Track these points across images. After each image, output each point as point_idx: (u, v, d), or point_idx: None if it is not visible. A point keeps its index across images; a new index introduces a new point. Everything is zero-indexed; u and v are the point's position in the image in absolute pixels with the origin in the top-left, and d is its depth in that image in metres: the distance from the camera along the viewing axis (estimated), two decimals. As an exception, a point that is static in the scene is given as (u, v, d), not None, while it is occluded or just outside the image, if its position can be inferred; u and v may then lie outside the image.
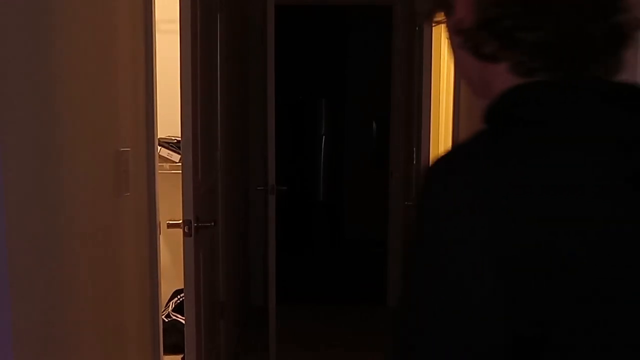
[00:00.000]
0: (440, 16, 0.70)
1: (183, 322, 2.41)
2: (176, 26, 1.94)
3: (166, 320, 3.10)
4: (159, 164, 2.11)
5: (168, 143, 3.04)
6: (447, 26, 0.70)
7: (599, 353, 0.60)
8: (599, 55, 0.63)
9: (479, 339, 0.57)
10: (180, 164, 2.14)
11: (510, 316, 0.57)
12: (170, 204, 2.39)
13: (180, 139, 2.05)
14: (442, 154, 0.64)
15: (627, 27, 0.63)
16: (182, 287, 2.05)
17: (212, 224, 2.22)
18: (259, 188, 3.46)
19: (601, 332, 0.60)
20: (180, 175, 1.99)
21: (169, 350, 2.49)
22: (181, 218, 1.99)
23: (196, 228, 2.02)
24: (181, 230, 2.00)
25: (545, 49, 0.61)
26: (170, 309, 3.24)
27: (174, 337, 2.96)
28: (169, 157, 3.02)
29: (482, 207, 0.56)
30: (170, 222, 2.05)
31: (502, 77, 0.64)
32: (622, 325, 0.60)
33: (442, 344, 0.58)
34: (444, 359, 0.58)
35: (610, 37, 0.62)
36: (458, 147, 0.67)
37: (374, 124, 6.07)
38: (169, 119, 2.42)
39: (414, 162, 2.94)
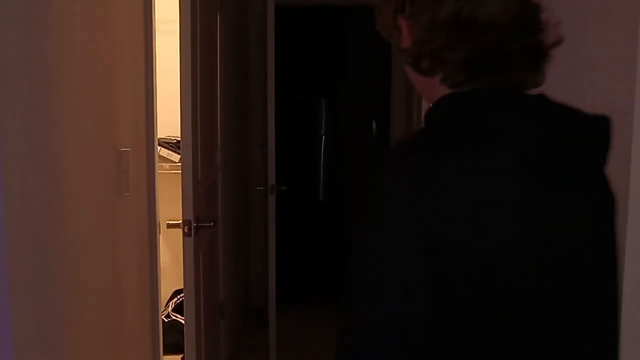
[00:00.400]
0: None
1: (183, 322, 2.41)
2: (176, 26, 1.94)
3: (166, 320, 3.10)
4: (159, 164, 2.11)
5: (168, 143, 3.05)
6: (394, 46, 0.83)
7: (497, 333, 0.71)
8: (515, 69, 0.75)
9: (401, 302, 0.69)
10: (180, 164, 2.14)
11: (428, 286, 0.68)
12: (170, 204, 2.39)
13: (180, 139, 2.05)
14: (391, 148, 0.75)
15: (542, 45, 0.76)
16: (182, 287, 2.05)
17: (212, 224, 2.22)
18: (259, 188, 3.46)
19: (496, 312, 0.70)
20: (180, 175, 1.98)
21: (169, 350, 2.49)
22: (181, 218, 1.99)
23: (196, 228, 2.02)
24: (181, 230, 2.00)
25: (467, 65, 0.75)
26: (170, 309, 3.24)
27: (174, 337, 2.96)
28: (169, 157, 3.02)
29: (413, 192, 0.68)
30: (170, 222, 2.05)
31: (438, 88, 0.77)
32: (520, 309, 0.71)
33: (372, 304, 0.70)
34: (373, 316, 0.70)
35: (525, 54, 0.75)
36: (402, 142, 0.79)
37: (374, 124, 6.07)
38: (169, 119, 2.42)
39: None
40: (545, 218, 0.71)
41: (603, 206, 0.78)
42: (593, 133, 0.77)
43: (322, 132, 6.06)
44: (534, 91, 0.77)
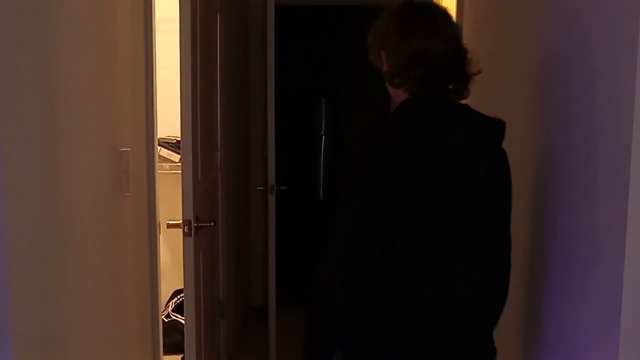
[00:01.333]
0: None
1: (183, 322, 2.41)
2: (176, 26, 1.94)
3: (166, 320, 3.10)
4: (159, 164, 2.11)
5: (168, 143, 3.05)
6: (379, 69, 1.33)
7: (429, 251, 1.19)
8: (452, 83, 1.27)
9: (367, 223, 1.19)
10: (180, 164, 2.14)
11: (385, 213, 1.17)
12: (170, 204, 2.39)
13: (180, 139, 2.05)
14: (372, 126, 1.29)
15: (467, 73, 1.26)
16: (182, 287, 2.05)
17: (212, 224, 2.22)
18: (259, 188, 3.46)
19: (431, 236, 1.19)
20: (180, 175, 1.98)
21: (169, 350, 2.49)
22: (181, 218, 1.99)
23: (196, 228, 2.02)
24: (181, 230, 2.00)
25: (419, 82, 1.25)
26: (170, 309, 3.24)
27: (174, 337, 2.96)
28: (169, 157, 3.02)
29: (383, 153, 1.18)
30: (170, 222, 2.05)
31: (402, 95, 1.28)
32: (444, 233, 1.20)
33: (348, 225, 1.22)
34: (346, 235, 1.22)
35: (456, 78, 1.26)
36: (378, 123, 1.32)
37: (374, 124, 6.06)
38: (169, 119, 2.42)
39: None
40: (459, 169, 1.20)
41: (498, 168, 1.26)
42: (492, 127, 1.26)
43: (322, 132, 6.05)
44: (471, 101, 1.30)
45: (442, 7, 1.33)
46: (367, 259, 1.20)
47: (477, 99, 1.20)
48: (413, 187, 1.16)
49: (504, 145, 1.25)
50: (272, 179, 3.12)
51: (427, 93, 1.25)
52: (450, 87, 1.26)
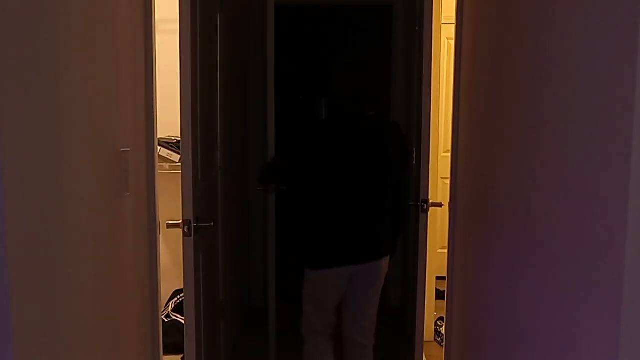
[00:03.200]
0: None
1: (183, 322, 2.41)
2: (176, 26, 1.94)
3: (166, 320, 3.10)
4: (159, 164, 2.11)
5: (168, 143, 3.05)
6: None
7: (326, 189, 2.34)
8: (357, 106, 2.39)
9: (292, 157, 2.41)
10: (180, 164, 2.14)
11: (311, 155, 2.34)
12: (170, 204, 2.39)
13: (180, 139, 2.05)
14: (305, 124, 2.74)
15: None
16: (182, 287, 2.05)
17: (212, 224, 2.22)
18: (259, 188, 3.46)
19: (326, 179, 2.33)
20: (180, 175, 1.99)
21: (169, 350, 2.49)
22: (181, 218, 1.99)
23: (196, 228, 2.02)
24: (181, 230, 2.00)
25: (336, 105, 2.42)
26: (170, 309, 3.24)
27: (174, 337, 2.96)
28: (169, 157, 3.02)
29: (306, 133, 2.41)
30: (170, 222, 2.05)
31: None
32: (334, 174, 2.33)
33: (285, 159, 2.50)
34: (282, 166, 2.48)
35: (361, 106, 2.38)
36: (310, 122, 2.99)
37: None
38: (169, 119, 2.42)
39: (414, 162, 2.94)
40: (353, 145, 2.32)
41: (372, 137, 2.36)
42: (382, 126, 2.44)
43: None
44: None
45: None
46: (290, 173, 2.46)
47: (477, 98, 1.21)
48: (323, 149, 2.33)
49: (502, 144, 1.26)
50: (272, 179, 3.11)
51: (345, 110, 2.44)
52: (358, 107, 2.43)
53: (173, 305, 3.27)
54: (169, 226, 2.05)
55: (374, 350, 2.64)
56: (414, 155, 2.85)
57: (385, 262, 2.41)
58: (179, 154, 2.90)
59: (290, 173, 2.42)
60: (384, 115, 2.63)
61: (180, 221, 1.99)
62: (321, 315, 2.48)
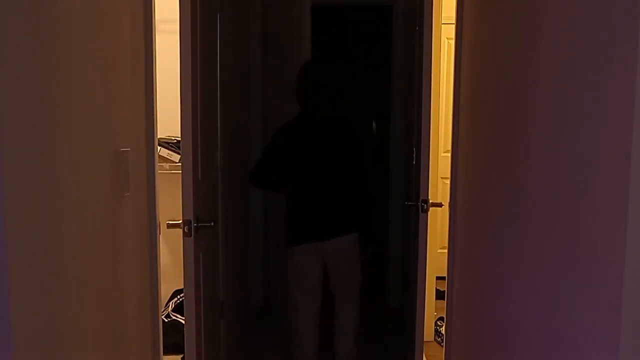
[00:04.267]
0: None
1: (183, 322, 2.41)
2: (176, 26, 1.94)
3: (166, 320, 3.10)
4: (159, 164, 2.11)
5: (168, 143, 3.05)
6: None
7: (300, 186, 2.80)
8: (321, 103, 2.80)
9: (270, 159, 2.84)
10: (180, 164, 2.14)
11: (279, 156, 2.81)
12: (170, 204, 2.39)
13: (180, 139, 2.05)
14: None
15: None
16: (182, 287, 2.05)
17: (212, 224, 2.22)
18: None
19: (299, 177, 2.79)
20: (180, 175, 1.98)
21: (169, 350, 2.49)
22: (181, 218, 1.99)
23: (196, 228, 2.02)
24: (181, 230, 2.00)
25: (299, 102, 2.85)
26: (170, 309, 3.24)
27: (174, 337, 2.96)
28: (169, 157, 3.02)
29: (277, 136, 2.85)
30: (170, 222, 2.05)
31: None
32: (305, 174, 2.78)
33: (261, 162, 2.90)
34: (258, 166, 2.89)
35: (326, 101, 2.80)
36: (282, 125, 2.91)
37: (373, 124, 6.07)
38: (169, 119, 2.42)
39: (414, 162, 2.94)
40: (311, 142, 2.77)
41: (336, 139, 2.80)
42: (343, 126, 2.87)
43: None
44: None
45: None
46: (269, 171, 2.84)
47: (477, 98, 1.21)
48: (289, 148, 2.77)
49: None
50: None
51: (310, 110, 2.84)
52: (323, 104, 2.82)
53: (173, 305, 3.27)
54: (169, 226, 2.05)
55: (373, 351, 2.66)
56: (414, 155, 2.85)
57: (347, 238, 2.79)
58: (179, 154, 2.90)
59: (269, 172, 2.82)
60: (340, 115, 2.86)
61: (180, 221, 1.99)
62: (304, 295, 2.85)
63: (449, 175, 2.34)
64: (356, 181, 2.81)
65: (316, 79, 2.78)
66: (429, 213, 2.55)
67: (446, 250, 2.38)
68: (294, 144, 2.76)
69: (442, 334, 3.26)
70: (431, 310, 3.54)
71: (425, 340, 2.80)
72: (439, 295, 3.60)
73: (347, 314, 2.98)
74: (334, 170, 2.77)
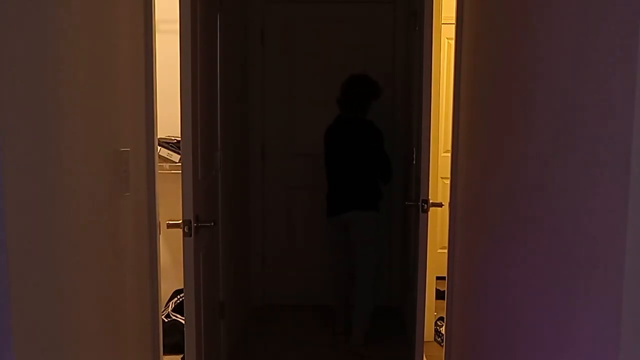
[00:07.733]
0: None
1: (183, 322, 2.41)
2: (176, 26, 1.94)
3: (166, 320, 3.10)
4: (159, 164, 2.11)
5: (168, 143, 3.05)
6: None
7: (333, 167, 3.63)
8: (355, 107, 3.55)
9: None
10: (180, 164, 2.14)
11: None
12: (170, 204, 2.39)
13: (180, 139, 2.05)
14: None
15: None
16: (182, 287, 2.05)
17: (212, 224, 2.22)
18: (407, 203, 3.48)
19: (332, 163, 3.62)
20: (180, 175, 1.99)
21: (169, 350, 2.49)
22: (181, 218, 1.99)
23: (196, 228, 2.02)
24: (181, 230, 2.00)
25: (340, 107, 3.61)
26: (170, 309, 3.24)
27: (174, 337, 2.96)
28: (169, 157, 3.02)
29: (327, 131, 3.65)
30: (170, 222, 2.05)
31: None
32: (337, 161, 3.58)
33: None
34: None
35: (362, 107, 3.57)
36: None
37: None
38: (169, 119, 2.42)
39: (414, 162, 2.94)
40: (344, 140, 3.50)
41: (360, 135, 3.46)
42: (365, 126, 3.46)
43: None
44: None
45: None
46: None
47: (477, 99, 1.21)
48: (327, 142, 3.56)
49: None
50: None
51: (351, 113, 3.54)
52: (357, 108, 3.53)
53: (173, 305, 3.27)
54: (169, 226, 2.05)
55: (373, 351, 2.64)
56: (414, 155, 2.85)
57: (362, 213, 3.42)
58: (179, 154, 2.90)
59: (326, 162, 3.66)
60: (364, 117, 3.49)
61: (180, 221, 1.99)
62: (333, 252, 3.70)
63: (449, 175, 2.33)
64: (376, 168, 3.49)
65: (355, 91, 3.52)
66: (429, 213, 2.55)
67: (446, 250, 2.38)
68: (331, 140, 3.56)
69: (442, 334, 3.26)
70: (431, 310, 3.54)
71: (425, 340, 2.80)
72: (439, 295, 3.60)
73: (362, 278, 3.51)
74: (357, 161, 3.47)
